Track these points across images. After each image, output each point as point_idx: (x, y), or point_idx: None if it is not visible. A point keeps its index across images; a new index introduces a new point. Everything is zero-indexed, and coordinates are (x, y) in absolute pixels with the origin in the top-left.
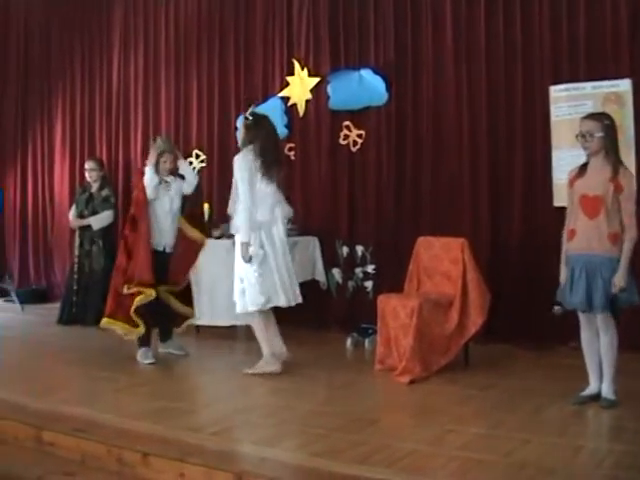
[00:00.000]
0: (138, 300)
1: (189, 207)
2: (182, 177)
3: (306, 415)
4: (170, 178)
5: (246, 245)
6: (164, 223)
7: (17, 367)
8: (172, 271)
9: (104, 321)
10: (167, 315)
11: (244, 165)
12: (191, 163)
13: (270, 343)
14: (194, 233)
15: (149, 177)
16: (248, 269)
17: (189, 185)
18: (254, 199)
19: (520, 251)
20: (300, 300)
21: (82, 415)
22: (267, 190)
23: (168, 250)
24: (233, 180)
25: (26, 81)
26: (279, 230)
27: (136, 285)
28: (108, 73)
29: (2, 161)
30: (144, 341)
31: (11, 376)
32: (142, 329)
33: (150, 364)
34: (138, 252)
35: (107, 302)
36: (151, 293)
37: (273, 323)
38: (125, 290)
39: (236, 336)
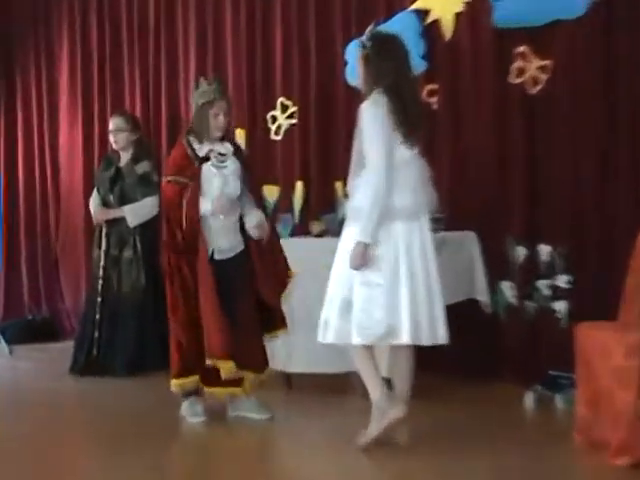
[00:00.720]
0: (224, 374)
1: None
2: (237, 146)
3: None
4: (225, 147)
5: (364, 247)
6: (213, 219)
7: (4, 446)
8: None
9: (174, 383)
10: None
11: (376, 117)
12: (275, 119)
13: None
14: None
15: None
16: (361, 276)
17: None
18: (391, 173)
19: None
20: (444, 340)
21: None
22: (408, 159)
23: (218, 257)
24: (355, 141)
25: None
26: (422, 225)
27: (210, 358)
28: None
29: None
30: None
31: None
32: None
33: (199, 422)
34: (202, 308)
35: (171, 358)
36: (230, 367)
37: (404, 365)
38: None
39: (347, 389)
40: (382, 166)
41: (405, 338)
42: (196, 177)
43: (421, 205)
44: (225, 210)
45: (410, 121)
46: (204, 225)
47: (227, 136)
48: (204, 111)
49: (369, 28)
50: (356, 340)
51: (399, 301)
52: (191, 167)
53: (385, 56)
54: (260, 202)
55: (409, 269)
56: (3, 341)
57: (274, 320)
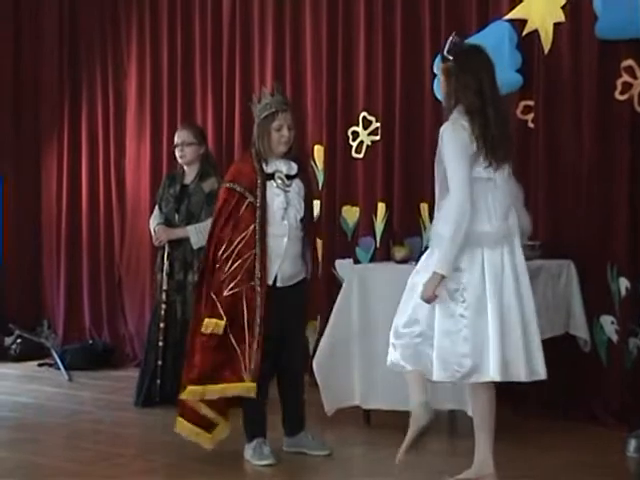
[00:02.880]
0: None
1: None
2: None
3: None
4: (292, 167)
5: (441, 278)
6: (274, 242)
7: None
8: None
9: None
10: (298, 385)
11: (457, 140)
12: (356, 135)
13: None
14: None
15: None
16: (443, 308)
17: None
18: (472, 197)
19: None
20: (542, 375)
21: None
22: (492, 181)
23: (280, 284)
24: (436, 164)
25: (75, 8)
26: (513, 250)
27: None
28: None
29: (35, 139)
30: (255, 429)
31: None
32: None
33: (267, 465)
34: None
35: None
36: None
37: (485, 418)
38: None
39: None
40: (464, 193)
41: (492, 375)
42: (254, 190)
43: (509, 230)
44: None
45: (495, 142)
46: (271, 248)
47: (293, 153)
48: (265, 125)
49: (450, 39)
50: (438, 376)
51: (486, 335)
52: (253, 178)
53: (468, 70)
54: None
55: (497, 299)
56: (62, 367)
57: None
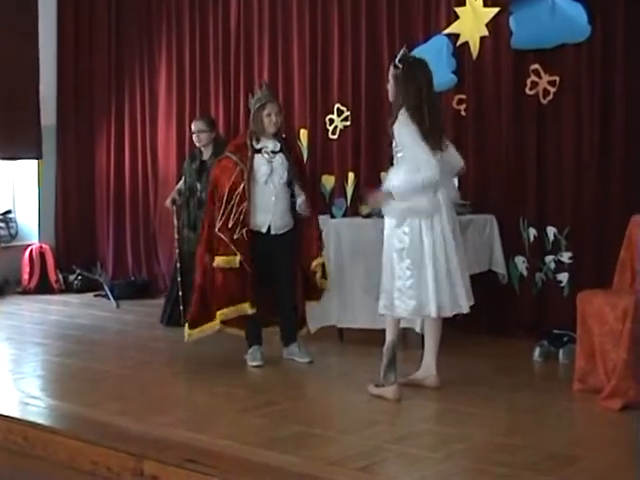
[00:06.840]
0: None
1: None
2: (287, 144)
3: (482, 448)
4: (275, 144)
5: (390, 195)
6: (265, 200)
7: (112, 380)
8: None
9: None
10: (289, 308)
11: (411, 131)
12: (332, 121)
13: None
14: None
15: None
16: (397, 264)
17: None
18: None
19: None
20: (470, 303)
21: (193, 442)
22: None
23: (273, 232)
24: (394, 151)
25: (119, 23)
26: (442, 219)
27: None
28: (224, 9)
29: (90, 123)
30: (254, 338)
31: (104, 391)
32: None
33: (256, 367)
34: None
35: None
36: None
37: (432, 335)
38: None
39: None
40: (432, 160)
41: (432, 312)
42: (247, 161)
43: (438, 202)
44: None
45: (428, 132)
46: (257, 206)
47: (279, 134)
48: (258, 113)
49: (401, 51)
50: (397, 313)
51: (427, 283)
52: (245, 152)
53: (410, 79)
54: (306, 186)
55: (434, 257)
56: (112, 297)
57: (312, 290)
